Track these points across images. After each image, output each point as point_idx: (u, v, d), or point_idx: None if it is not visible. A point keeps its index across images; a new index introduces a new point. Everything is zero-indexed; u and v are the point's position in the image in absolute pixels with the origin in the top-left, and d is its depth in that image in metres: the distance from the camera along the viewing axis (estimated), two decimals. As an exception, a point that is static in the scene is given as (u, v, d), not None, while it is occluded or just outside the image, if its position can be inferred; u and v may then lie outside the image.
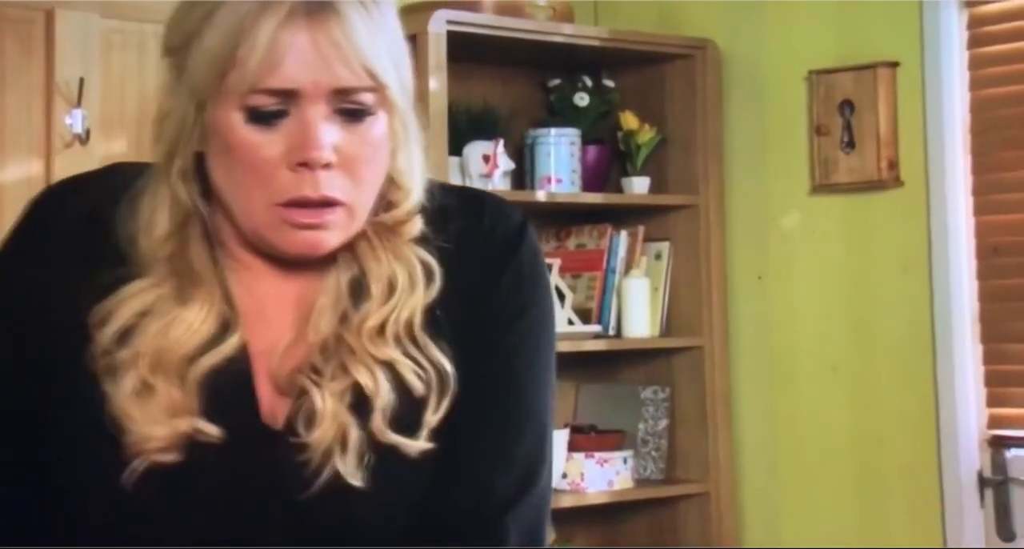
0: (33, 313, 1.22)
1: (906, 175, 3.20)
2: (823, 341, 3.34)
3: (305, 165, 1.14)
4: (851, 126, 3.24)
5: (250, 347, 1.21)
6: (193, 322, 1.19)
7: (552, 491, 1.29)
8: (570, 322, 3.39)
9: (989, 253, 3.10)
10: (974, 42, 3.14)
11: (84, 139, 2.74)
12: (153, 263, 1.19)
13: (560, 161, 3.40)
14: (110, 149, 2.79)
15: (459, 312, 1.22)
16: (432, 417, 1.19)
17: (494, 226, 1.26)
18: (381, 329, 1.19)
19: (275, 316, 1.23)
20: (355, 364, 1.18)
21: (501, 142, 3.29)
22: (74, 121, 2.73)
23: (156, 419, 1.17)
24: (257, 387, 1.21)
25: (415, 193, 1.22)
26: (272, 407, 1.21)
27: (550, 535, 1.28)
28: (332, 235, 1.18)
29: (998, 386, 3.08)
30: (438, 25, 3.05)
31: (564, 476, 3.30)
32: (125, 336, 1.18)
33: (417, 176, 1.22)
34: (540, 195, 3.35)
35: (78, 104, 2.74)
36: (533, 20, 3.35)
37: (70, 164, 2.67)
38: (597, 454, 3.33)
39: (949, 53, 3.13)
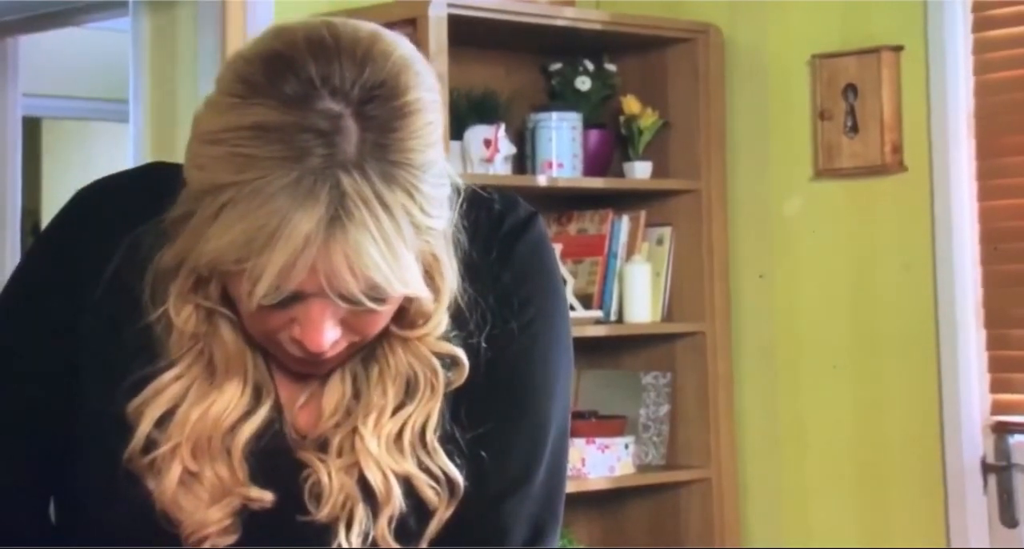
0: (57, 320, 1.22)
1: (910, 160, 3.19)
2: (826, 326, 3.34)
3: (307, 354, 1.13)
4: (854, 111, 3.23)
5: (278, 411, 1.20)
6: (231, 400, 1.17)
7: (565, 484, 1.28)
8: (571, 308, 3.38)
9: (993, 238, 3.09)
10: (978, 26, 3.13)
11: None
12: (182, 350, 1.17)
13: (561, 145, 3.39)
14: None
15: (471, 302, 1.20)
16: (435, 526, 1.19)
17: (500, 221, 1.25)
18: (399, 436, 1.17)
19: (296, 385, 1.21)
20: (370, 466, 1.16)
21: (502, 126, 3.28)
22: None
23: (207, 504, 1.16)
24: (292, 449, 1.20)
25: (442, 309, 1.17)
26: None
27: (561, 512, 1.27)
28: (336, 362, 1.17)
29: (1001, 372, 3.08)
30: (439, 9, 3.04)
31: (565, 462, 3.30)
32: (159, 426, 1.17)
33: (445, 296, 1.17)
34: (541, 180, 3.34)
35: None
36: (534, 4, 3.34)
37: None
38: (598, 440, 3.33)
39: (953, 37, 3.12)
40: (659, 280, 3.50)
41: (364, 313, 1.11)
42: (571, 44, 3.48)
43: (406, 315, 1.17)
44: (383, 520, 1.17)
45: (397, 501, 1.17)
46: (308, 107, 1.06)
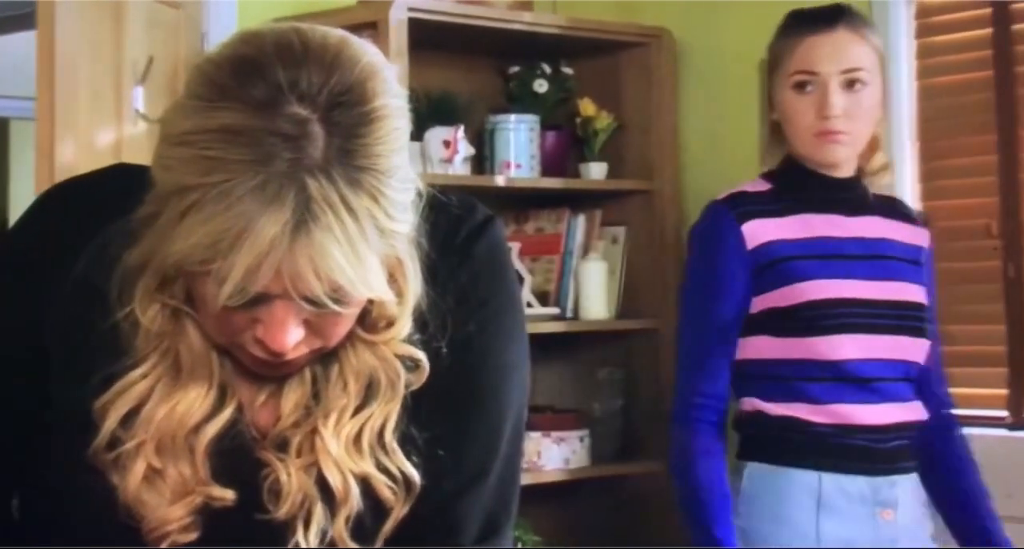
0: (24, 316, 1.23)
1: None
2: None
3: (271, 355, 1.13)
4: (802, 113, 3.31)
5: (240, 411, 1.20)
6: (195, 399, 1.18)
7: (519, 480, 1.29)
8: (528, 305, 3.45)
9: (936, 237, 3.16)
10: (921, 32, 3.21)
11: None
12: (149, 348, 1.18)
13: (519, 147, 3.45)
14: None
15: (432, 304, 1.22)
16: (389, 527, 1.20)
17: (459, 224, 1.26)
18: (358, 437, 1.18)
19: (257, 386, 1.22)
20: (329, 466, 1.17)
21: (461, 128, 3.33)
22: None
23: (170, 500, 1.17)
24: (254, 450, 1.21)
25: (406, 315, 1.18)
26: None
27: (515, 509, 1.29)
28: (298, 366, 1.18)
29: (945, 367, 3.15)
30: (399, 12, 3.09)
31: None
32: (124, 423, 1.17)
33: (409, 300, 1.18)
34: (499, 180, 3.40)
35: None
36: (493, 8, 3.41)
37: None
38: (554, 433, 3.39)
39: (897, 43, 3.20)
40: (614, 278, 3.57)
41: (328, 315, 1.11)
42: (528, 48, 3.55)
43: (370, 318, 1.17)
44: (340, 519, 1.17)
45: (355, 501, 1.17)
46: (275, 112, 1.06)
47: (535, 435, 3.36)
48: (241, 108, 1.06)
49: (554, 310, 3.49)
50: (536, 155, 3.48)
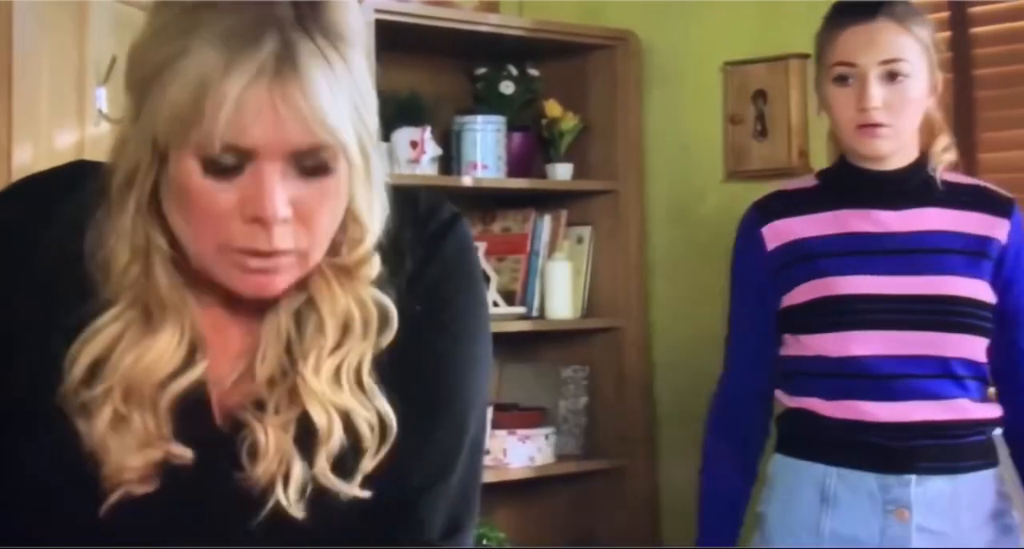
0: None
1: (815, 162, 3.25)
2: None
3: (258, 221, 1.14)
4: (764, 115, 3.34)
5: (208, 373, 1.21)
6: (165, 350, 1.19)
7: (481, 476, 1.30)
8: (495, 304, 3.48)
9: None
10: (880, 36, 3.25)
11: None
12: (119, 291, 1.19)
13: (486, 147, 3.48)
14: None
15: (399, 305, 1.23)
16: (369, 463, 1.20)
17: (427, 220, 1.27)
18: (337, 374, 1.19)
19: (228, 345, 1.24)
20: (313, 404, 1.18)
21: (428, 129, 3.37)
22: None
23: (131, 449, 1.18)
24: (215, 414, 1.22)
25: (373, 233, 1.20)
26: (223, 435, 1.22)
27: (477, 504, 1.29)
28: (283, 278, 1.17)
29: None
30: (366, 14, 3.11)
31: (487, 452, 3.39)
32: (95, 370, 1.18)
33: (377, 215, 1.20)
34: (466, 180, 3.43)
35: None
36: (460, 10, 3.44)
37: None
38: (519, 431, 3.42)
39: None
40: (579, 277, 3.61)
41: (311, 195, 1.13)
42: (495, 50, 3.58)
43: (339, 247, 1.20)
44: (322, 457, 1.18)
45: (338, 437, 1.18)
46: None
47: (500, 433, 3.39)
48: None
49: (520, 309, 3.52)
50: (502, 156, 3.52)
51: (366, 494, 1.19)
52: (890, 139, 2.26)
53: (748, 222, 2.40)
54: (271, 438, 1.18)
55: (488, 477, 3.33)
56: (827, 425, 2.27)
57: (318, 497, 1.19)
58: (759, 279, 2.35)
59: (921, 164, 2.33)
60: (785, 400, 2.34)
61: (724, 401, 2.42)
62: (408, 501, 1.23)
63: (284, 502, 1.18)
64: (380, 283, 1.22)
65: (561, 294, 3.54)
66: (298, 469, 1.18)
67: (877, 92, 2.23)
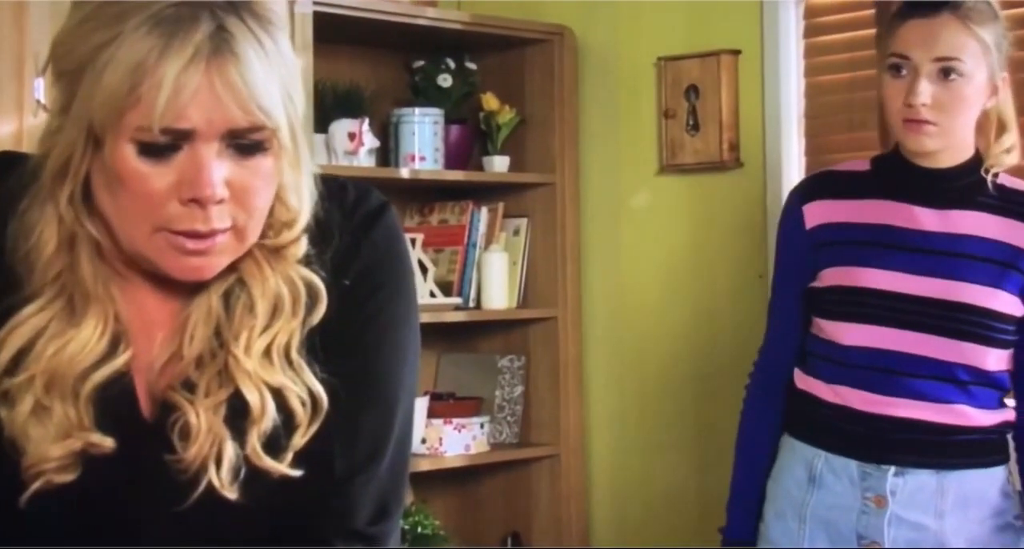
0: None
1: (746, 156, 3.35)
2: (669, 310, 3.49)
3: (195, 201, 1.14)
4: (696, 110, 3.39)
5: (133, 362, 1.22)
6: (88, 341, 1.19)
7: (409, 464, 1.31)
8: (432, 294, 3.51)
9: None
10: (809, 32, 3.30)
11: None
12: (44, 282, 1.19)
13: (424, 139, 3.51)
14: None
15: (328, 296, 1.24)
16: (299, 440, 1.21)
17: (355, 208, 1.27)
18: (267, 352, 1.20)
19: (154, 332, 1.24)
20: (245, 383, 1.19)
21: (366, 120, 3.38)
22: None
23: (52, 439, 1.18)
24: (140, 402, 1.23)
25: (303, 215, 1.22)
26: (152, 421, 1.23)
27: (407, 498, 1.33)
28: (219, 260, 1.18)
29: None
30: (304, 6, 3.13)
31: (423, 441, 3.41)
32: (17, 360, 1.19)
33: (305, 198, 1.22)
34: (404, 172, 3.45)
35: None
36: (398, 3, 3.46)
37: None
38: (455, 420, 3.45)
39: (787, 42, 3.29)
40: (515, 269, 3.64)
41: (246, 174, 1.15)
42: (433, 43, 3.61)
43: (267, 230, 1.21)
44: (254, 436, 1.19)
45: (271, 415, 1.19)
46: None
47: (436, 422, 3.42)
48: None
49: (456, 300, 3.56)
50: (440, 148, 3.54)
51: (297, 473, 1.20)
52: (937, 137, 2.22)
53: (793, 198, 2.40)
54: (202, 419, 1.19)
55: (424, 465, 3.36)
56: (823, 410, 2.31)
57: (250, 480, 1.20)
58: (799, 254, 2.35)
59: (973, 165, 2.28)
60: (797, 380, 2.37)
61: (763, 366, 2.45)
62: (337, 486, 1.24)
63: (217, 483, 1.19)
64: (308, 263, 1.23)
65: (497, 285, 3.58)
66: (230, 450, 1.19)
67: (926, 88, 2.19)
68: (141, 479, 1.21)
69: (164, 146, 1.13)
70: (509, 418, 3.66)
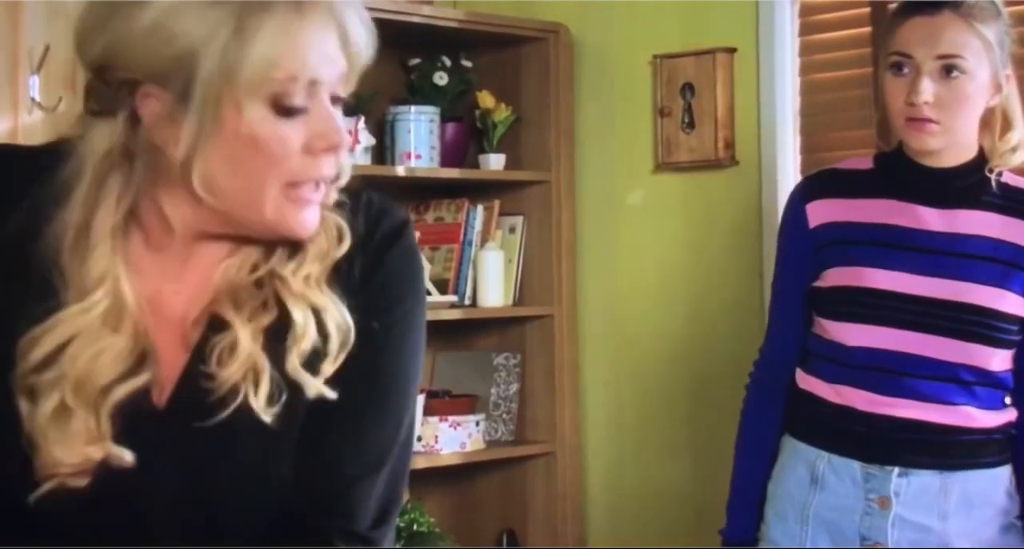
0: None
1: (741, 154, 3.35)
2: (664, 308, 3.50)
3: (331, 149, 1.23)
4: (691, 108, 3.39)
5: (153, 380, 1.24)
6: (122, 352, 1.22)
7: (409, 469, 1.35)
8: (427, 292, 3.51)
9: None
10: (804, 30, 3.30)
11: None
12: (89, 285, 1.22)
13: (419, 137, 3.51)
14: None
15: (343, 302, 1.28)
16: (328, 367, 1.25)
17: (378, 221, 1.32)
18: (308, 278, 1.27)
19: (178, 348, 1.27)
20: (294, 303, 1.25)
21: (362, 118, 3.39)
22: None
23: (71, 445, 1.20)
24: (156, 407, 1.25)
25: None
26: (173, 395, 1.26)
27: (404, 496, 1.35)
28: (319, 213, 1.26)
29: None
30: (300, 4, 3.14)
31: (419, 439, 3.42)
32: (50, 357, 1.20)
33: (345, 244, 1.30)
34: (400, 170, 3.46)
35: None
36: (394, 1, 3.47)
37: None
38: (451, 418, 3.46)
39: (782, 40, 3.29)
40: (511, 266, 3.65)
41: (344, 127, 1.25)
42: (429, 41, 3.61)
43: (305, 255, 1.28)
44: (295, 355, 1.23)
45: (312, 336, 1.24)
46: None
47: (432, 420, 3.43)
48: None
49: (452, 298, 3.56)
50: (436, 146, 3.55)
51: (332, 394, 1.25)
52: (939, 136, 2.20)
53: (795, 197, 2.39)
54: (244, 339, 1.23)
55: (419, 463, 3.36)
56: (825, 410, 2.30)
57: (285, 401, 1.23)
58: (801, 253, 2.34)
59: (977, 163, 2.26)
60: (799, 380, 2.36)
61: (764, 365, 2.44)
62: (342, 490, 1.28)
63: (255, 405, 1.22)
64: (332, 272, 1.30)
65: (493, 283, 3.58)
66: (267, 374, 1.23)
67: (927, 87, 2.18)
68: (150, 492, 1.23)
69: (299, 105, 1.21)
70: (505, 416, 3.66)
